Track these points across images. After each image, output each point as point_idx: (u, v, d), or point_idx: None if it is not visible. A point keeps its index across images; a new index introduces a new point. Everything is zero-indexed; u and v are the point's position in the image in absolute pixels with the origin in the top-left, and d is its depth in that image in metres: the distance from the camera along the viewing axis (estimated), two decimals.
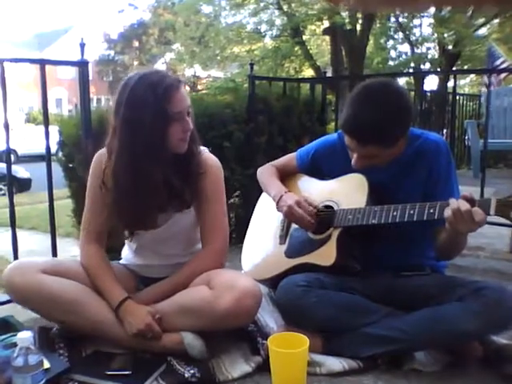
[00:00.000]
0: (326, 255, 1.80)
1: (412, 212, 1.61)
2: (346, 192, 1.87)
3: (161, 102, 1.59)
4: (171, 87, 1.61)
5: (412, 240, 1.77)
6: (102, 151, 1.79)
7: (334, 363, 1.62)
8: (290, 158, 2.15)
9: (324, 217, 1.87)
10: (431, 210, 1.57)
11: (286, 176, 2.13)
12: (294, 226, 1.99)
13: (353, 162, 1.73)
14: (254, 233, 2.23)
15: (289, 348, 1.46)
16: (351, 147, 1.71)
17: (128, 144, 1.63)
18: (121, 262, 1.99)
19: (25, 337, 1.33)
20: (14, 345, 1.36)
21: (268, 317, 1.89)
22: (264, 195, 2.21)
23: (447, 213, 1.48)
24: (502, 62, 6.69)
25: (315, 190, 2.00)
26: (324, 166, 2.00)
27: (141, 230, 1.80)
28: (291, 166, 2.13)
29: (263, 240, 2.13)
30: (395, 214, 1.65)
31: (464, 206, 1.45)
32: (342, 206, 1.85)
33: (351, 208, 1.78)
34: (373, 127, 1.62)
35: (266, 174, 2.14)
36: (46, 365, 1.47)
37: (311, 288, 1.71)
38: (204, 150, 1.85)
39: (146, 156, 1.63)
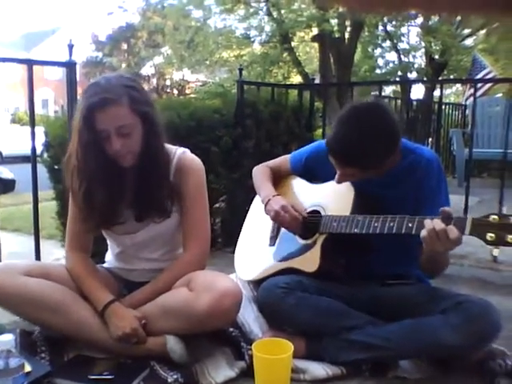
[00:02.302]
0: (309, 261, 1.80)
1: (392, 224, 1.60)
2: (332, 198, 1.88)
3: (88, 120, 1.59)
4: (95, 105, 1.58)
5: (398, 249, 1.77)
6: None
7: (318, 369, 1.62)
8: (283, 160, 2.17)
9: (312, 221, 1.88)
10: (409, 224, 1.55)
11: (280, 177, 2.14)
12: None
13: (336, 177, 1.74)
14: (247, 233, 2.24)
15: (273, 354, 1.46)
16: (333, 164, 1.72)
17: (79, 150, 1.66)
18: (104, 265, 1.98)
19: (6, 340, 1.31)
20: None
21: (253, 322, 1.88)
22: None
23: (423, 233, 1.46)
24: (488, 73, 6.77)
25: (306, 193, 2.01)
26: (317, 171, 2.01)
27: (114, 225, 1.78)
28: (285, 168, 2.14)
29: (255, 240, 2.14)
30: (376, 225, 1.64)
31: (438, 225, 1.43)
32: (328, 211, 1.85)
33: (337, 215, 1.79)
34: (353, 150, 1.63)
35: (259, 174, 2.15)
36: (27, 368, 1.46)
37: (291, 290, 1.72)
38: (185, 152, 1.82)
39: (96, 172, 1.66)
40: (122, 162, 1.68)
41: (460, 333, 1.52)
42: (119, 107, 1.59)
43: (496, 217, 1.39)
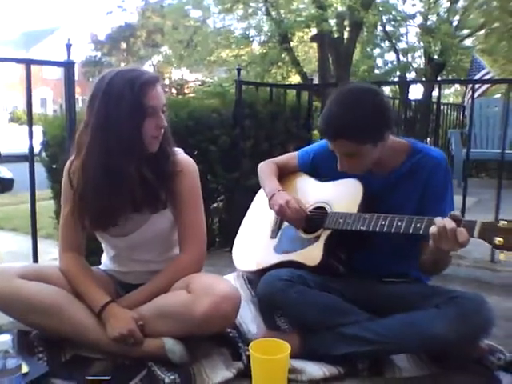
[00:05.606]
0: (312, 255, 1.81)
1: (400, 224, 1.61)
2: (340, 195, 1.89)
3: (137, 95, 1.60)
4: (148, 82, 1.63)
5: (399, 248, 1.77)
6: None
7: (315, 370, 1.63)
8: (290, 157, 2.19)
9: (316, 217, 1.89)
10: (418, 225, 1.57)
11: (286, 173, 2.16)
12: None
13: (338, 164, 1.75)
14: (248, 225, 2.26)
15: (270, 354, 1.46)
16: (333, 150, 1.74)
17: (101, 137, 1.62)
18: (100, 267, 1.96)
19: (3, 340, 1.31)
20: None
21: (250, 323, 1.89)
22: (262, 189, 2.24)
23: (432, 229, 1.48)
24: (486, 74, 6.78)
25: (311, 190, 2.03)
26: (321, 169, 2.02)
27: (108, 228, 1.75)
28: (292, 165, 2.16)
29: (256, 232, 2.15)
30: (383, 223, 1.65)
31: (450, 224, 1.45)
32: (334, 208, 1.86)
33: (343, 212, 1.80)
34: (337, 121, 1.66)
35: (265, 170, 2.17)
36: (25, 369, 1.46)
37: (293, 283, 1.72)
38: (179, 152, 1.82)
39: (120, 150, 1.61)
40: (156, 146, 1.70)
41: (453, 326, 1.53)
42: (160, 85, 1.69)
43: (505, 222, 1.42)
